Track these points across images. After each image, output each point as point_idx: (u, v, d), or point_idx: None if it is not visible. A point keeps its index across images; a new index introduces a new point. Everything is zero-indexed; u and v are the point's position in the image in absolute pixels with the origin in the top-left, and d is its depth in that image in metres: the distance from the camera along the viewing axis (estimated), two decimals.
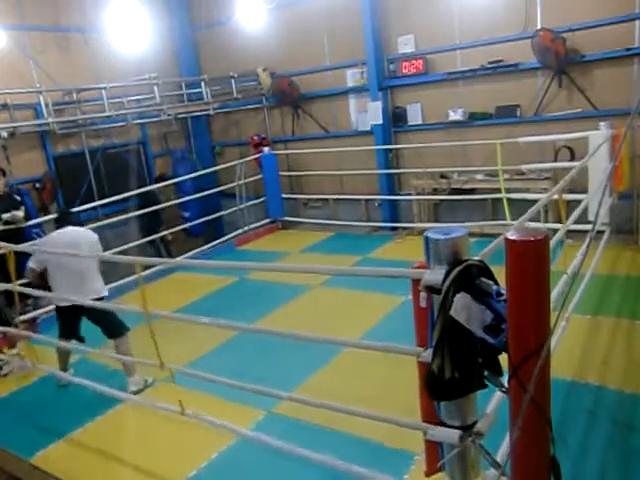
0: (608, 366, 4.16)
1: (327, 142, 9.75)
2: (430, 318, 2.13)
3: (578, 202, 5.12)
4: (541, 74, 7.53)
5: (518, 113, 7.78)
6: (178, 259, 7.58)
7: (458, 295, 1.94)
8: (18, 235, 6.33)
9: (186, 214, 10.01)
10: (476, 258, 2.07)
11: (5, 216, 6.47)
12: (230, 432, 3.52)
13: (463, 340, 1.99)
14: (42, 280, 4.70)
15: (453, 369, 2.00)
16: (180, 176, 9.22)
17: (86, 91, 8.75)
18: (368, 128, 9.07)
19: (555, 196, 4.01)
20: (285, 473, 3.40)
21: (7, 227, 6.42)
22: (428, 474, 2.41)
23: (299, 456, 3.03)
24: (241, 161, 9.15)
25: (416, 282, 2.15)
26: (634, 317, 4.86)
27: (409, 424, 2.52)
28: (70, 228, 4.82)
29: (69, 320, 4.75)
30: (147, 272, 6.06)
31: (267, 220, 9.65)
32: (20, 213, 6.65)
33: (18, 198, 6.96)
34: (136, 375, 4.65)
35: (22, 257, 4.70)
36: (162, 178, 9.56)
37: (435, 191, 8.33)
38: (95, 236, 4.88)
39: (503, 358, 2.06)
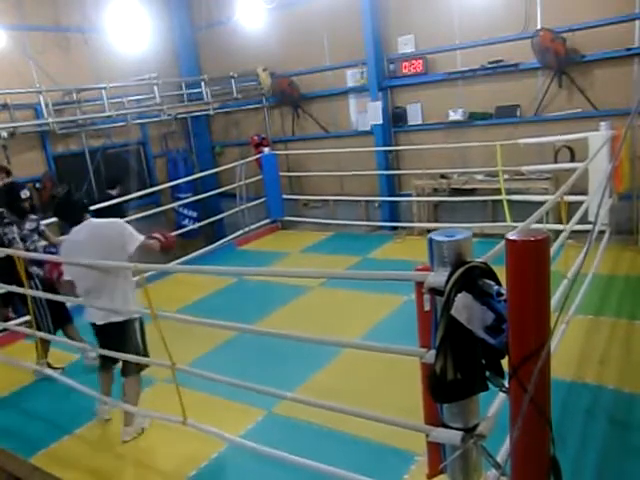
0: (607, 366, 4.17)
1: (327, 142, 9.75)
2: (434, 319, 2.13)
3: (577, 203, 5.12)
4: (541, 74, 7.53)
5: (518, 113, 7.77)
6: (182, 262, 7.60)
7: (459, 295, 1.94)
8: None
9: (194, 214, 10.11)
10: (479, 260, 2.07)
11: None
12: (224, 440, 3.51)
13: (465, 341, 1.99)
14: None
15: (455, 370, 2.00)
16: (179, 177, 9.22)
17: (86, 91, 8.76)
18: (368, 128, 9.07)
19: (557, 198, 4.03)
20: (286, 471, 3.39)
21: None
22: (430, 476, 2.41)
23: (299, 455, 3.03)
24: (241, 162, 9.15)
25: (420, 285, 2.15)
26: (633, 317, 4.86)
27: (411, 426, 2.52)
28: (88, 222, 3.89)
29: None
30: (147, 273, 6.04)
31: (267, 220, 9.64)
32: None
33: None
34: (134, 424, 4.00)
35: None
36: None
37: (435, 191, 8.33)
38: (118, 223, 3.86)
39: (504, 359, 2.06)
